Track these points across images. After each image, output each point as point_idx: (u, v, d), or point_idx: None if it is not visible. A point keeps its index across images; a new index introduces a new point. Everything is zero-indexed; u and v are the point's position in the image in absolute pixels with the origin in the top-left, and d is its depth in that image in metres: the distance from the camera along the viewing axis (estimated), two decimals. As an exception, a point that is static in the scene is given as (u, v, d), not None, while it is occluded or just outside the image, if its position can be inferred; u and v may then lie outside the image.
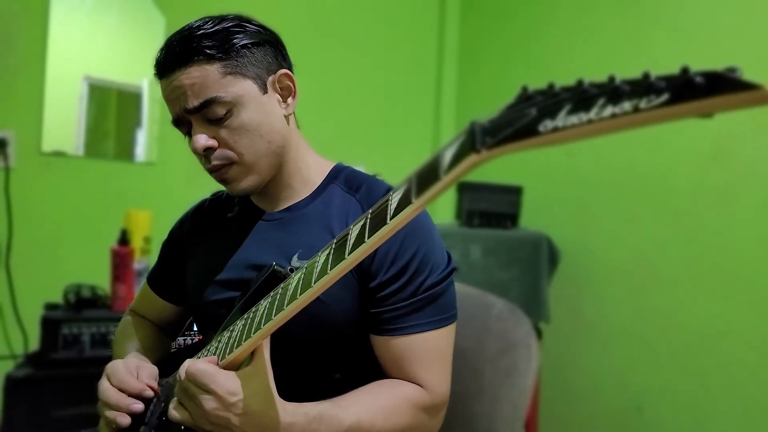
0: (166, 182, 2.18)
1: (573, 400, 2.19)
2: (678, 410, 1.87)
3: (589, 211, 2.19)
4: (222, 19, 0.83)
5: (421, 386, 0.80)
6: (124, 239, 1.75)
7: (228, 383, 0.66)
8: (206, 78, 0.79)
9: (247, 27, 0.84)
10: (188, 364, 0.68)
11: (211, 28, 0.81)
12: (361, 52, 2.66)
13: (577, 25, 2.31)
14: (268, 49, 0.85)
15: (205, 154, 0.82)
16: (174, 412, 0.70)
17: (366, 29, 2.67)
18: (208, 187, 1.04)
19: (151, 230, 1.88)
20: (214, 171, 0.84)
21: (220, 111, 0.80)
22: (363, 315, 0.83)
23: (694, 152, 1.86)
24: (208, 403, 0.66)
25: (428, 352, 0.81)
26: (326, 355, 0.85)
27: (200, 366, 0.67)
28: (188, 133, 0.84)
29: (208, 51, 0.79)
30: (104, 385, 0.81)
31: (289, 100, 0.87)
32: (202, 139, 0.81)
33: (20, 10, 1.94)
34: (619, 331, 2.05)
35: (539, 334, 2.02)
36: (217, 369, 0.67)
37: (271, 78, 0.85)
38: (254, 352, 0.69)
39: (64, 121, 2.05)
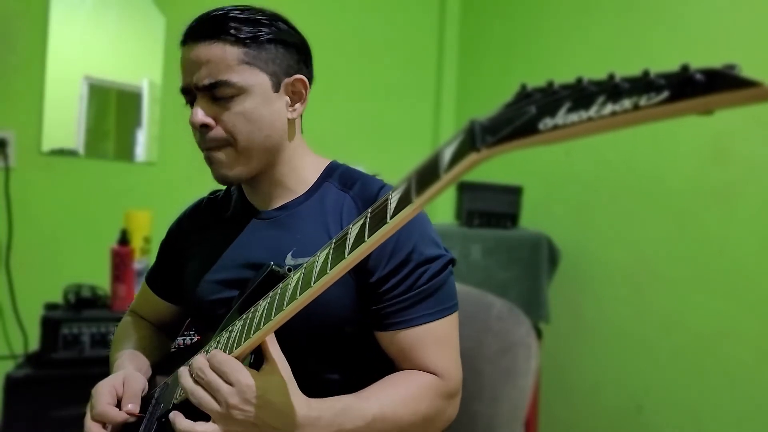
0: (166, 182, 2.18)
1: (573, 400, 2.19)
2: (678, 410, 1.87)
3: (589, 211, 2.18)
4: (258, 11, 0.85)
5: (434, 374, 0.81)
6: (124, 239, 1.75)
7: (249, 377, 0.66)
8: (224, 59, 0.81)
9: (279, 25, 0.86)
10: (202, 358, 0.69)
11: (246, 15, 0.83)
12: (361, 52, 2.66)
13: (577, 24, 2.31)
14: (291, 51, 0.86)
15: (201, 130, 0.83)
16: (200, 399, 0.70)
17: (366, 29, 2.67)
18: (208, 186, 1.04)
19: (151, 230, 1.88)
20: (206, 149, 0.86)
21: (228, 92, 0.81)
22: (361, 313, 0.83)
23: (693, 151, 1.85)
24: (232, 398, 0.65)
25: (435, 341, 0.82)
26: (323, 355, 0.85)
27: (224, 355, 0.68)
28: (191, 102, 0.86)
29: (236, 33, 0.81)
30: (87, 421, 0.81)
31: (297, 105, 0.88)
32: (200, 114, 0.82)
33: (20, 10, 1.94)
34: (619, 331, 2.05)
35: (539, 334, 2.02)
36: (237, 361, 0.68)
37: (286, 80, 0.86)
38: (266, 352, 0.69)
39: (64, 121, 2.05)
